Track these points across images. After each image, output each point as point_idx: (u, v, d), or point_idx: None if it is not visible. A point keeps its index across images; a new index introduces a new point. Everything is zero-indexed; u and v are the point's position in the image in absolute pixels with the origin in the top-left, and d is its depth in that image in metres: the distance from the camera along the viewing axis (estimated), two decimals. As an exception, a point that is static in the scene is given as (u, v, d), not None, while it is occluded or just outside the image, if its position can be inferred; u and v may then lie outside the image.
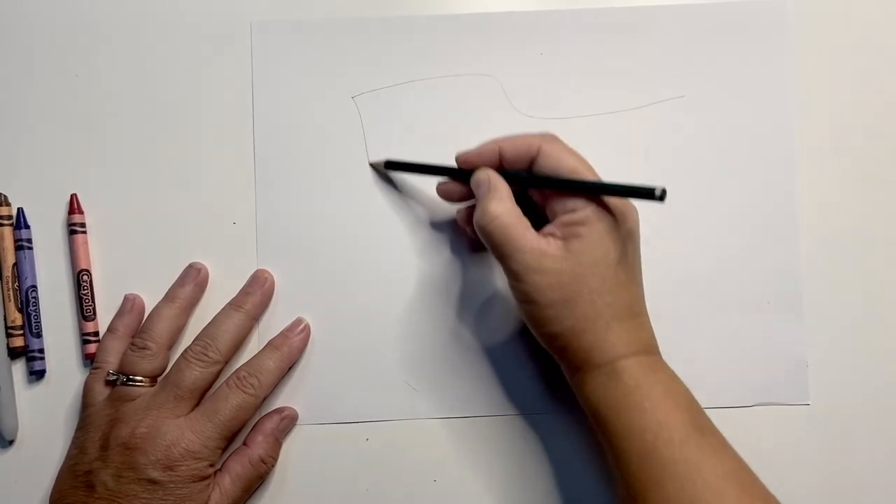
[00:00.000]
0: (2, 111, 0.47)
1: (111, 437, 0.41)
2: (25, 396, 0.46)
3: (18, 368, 0.46)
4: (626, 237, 0.39)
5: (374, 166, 0.47)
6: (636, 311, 0.40)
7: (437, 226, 0.47)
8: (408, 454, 0.46)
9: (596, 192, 0.39)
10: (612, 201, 0.39)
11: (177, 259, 0.46)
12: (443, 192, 0.45)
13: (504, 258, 0.39)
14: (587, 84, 0.48)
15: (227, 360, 0.45)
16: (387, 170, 0.47)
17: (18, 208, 0.47)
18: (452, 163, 0.43)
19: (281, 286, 0.47)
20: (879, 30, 0.48)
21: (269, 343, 0.46)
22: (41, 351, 0.46)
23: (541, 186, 0.41)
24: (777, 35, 0.48)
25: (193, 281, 0.46)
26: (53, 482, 0.43)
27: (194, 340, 0.44)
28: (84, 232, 0.47)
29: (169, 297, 0.46)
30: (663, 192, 0.36)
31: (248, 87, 0.48)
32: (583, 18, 0.48)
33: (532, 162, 0.41)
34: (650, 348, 0.40)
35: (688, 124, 0.48)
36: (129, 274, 0.47)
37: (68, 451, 0.43)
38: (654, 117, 0.48)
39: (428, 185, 0.47)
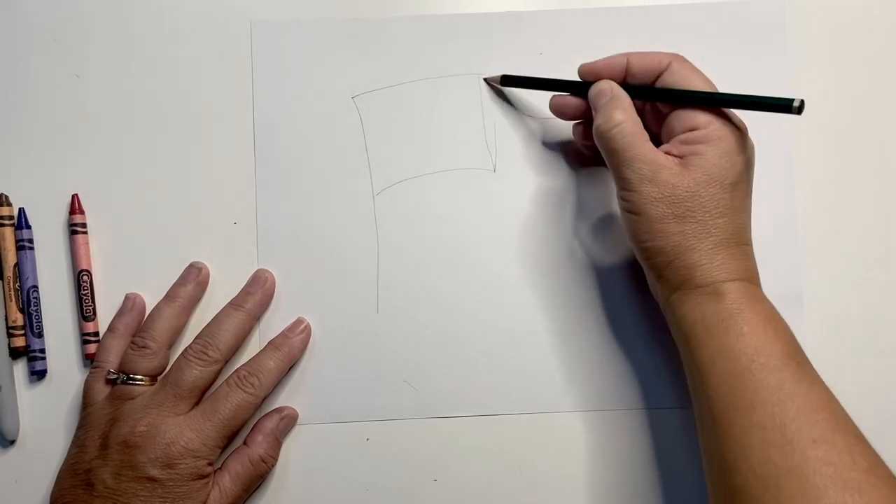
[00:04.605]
0: (2, 111, 0.47)
1: (111, 436, 0.41)
2: (26, 396, 0.46)
3: (20, 368, 0.46)
4: (745, 162, 0.39)
5: (488, 81, 0.48)
6: (744, 239, 0.39)
7: (440, 227, 0.47)
8: (408, 454, 0.46)
9: (728, 104, 0.39)
10: (736, 123, 0.39)
11: (177, 259, 0.47)
12: (556, 106, 0.45)
13: (620, 166, 0.39)
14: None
15: (227, 360, 0.45)
16: (502, 85, 0.47)
17: (20, 209, 0.47)
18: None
19: (281, 286, 0.47)
20: (878, 30, 0.48)
21: (270, 343, 0.46)
22: (42, 351, 0.46)
23: (667, 100, 0.41)
24: (777, 35, 0.48)
25: (194, 280, 0.46)
26: (54, 481, 0.43)
27: (194, 339, 0.44)
28: (85, 232, 0.47)
29: (169, 296, 0.46)
30: (801, 103, 0.37)
31: (248, 87, 0.48)
32: (583, 18, 0.48)
33: (657, 78, 0.41)
34: (753, 278, 0.39)
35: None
36: (130, 274, 0.47)
37: (69, 450, 0.43)
38: (654, 117, 0.48)
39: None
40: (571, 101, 0.44)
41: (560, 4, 0.48)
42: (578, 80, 0.44)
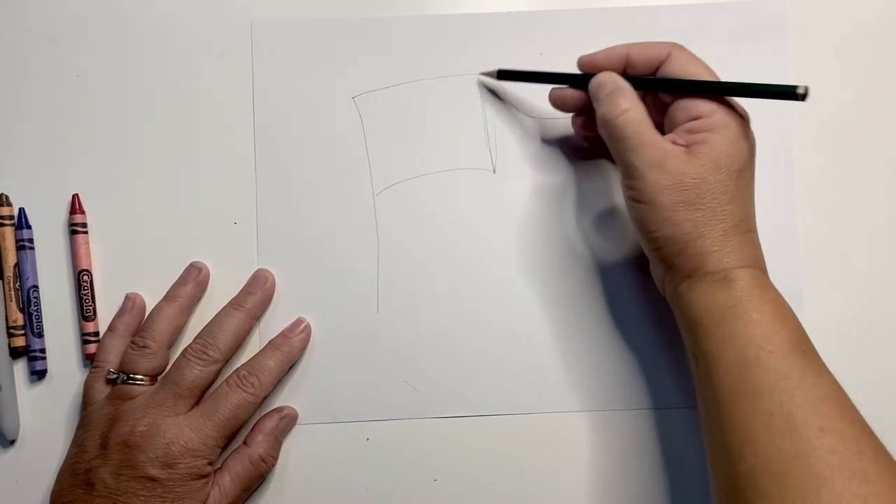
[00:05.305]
0: (2, 111, 0.47)
1: (111, 436, 0.41)
2: (27, 396, 0.46)
3: (20, 368, 0.46)
4: (749, 149, 0.39)
5: (484, 76, 0.47)
6: (751, 226, 0.39)
7: (440, 227, 0.47)
8: (408, 454, 0.46)
9: (732, 92, 0.39)
10: (739, 111, 0.39)
11: (177, 259, 0.47)
12: (557, 99, 0.45)
13: (627, 153, 0.39)
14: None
15: (227, 359, 0.45)
16: (499, 80, 0.47)
17: (20, 208, 0.47)
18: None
19: (281, 286, 0.47)
20: (878, 29, 0.48)
21: (270, 343, 0.46)
22: (42, 351, 0.46)
23: (669, 90, 0.41)
24: (777, 35, 0.48)
25: (194, 280, 0.46)
26: (54, 481, 0.43)
27: (194, 339, 0.44)
28: (85, 232, 0.47)
29: (169, 296, 0.46)
30: (806, 90, 0.37)
31: (248, 87, 0.48)
32: (583, 18, 0.48)
33: (657, 69, 0.41)
34: (761, 265, 0.39)
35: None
36: (130, 274, 0.47)
37: (69, 450, 0.43)
38: (654, 117, 0.48)
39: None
40: (571, 93, 0.44)
41: (560, 4, 0.48)
42: (577, 72, 0.44)
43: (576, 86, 0.44)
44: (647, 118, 0.40)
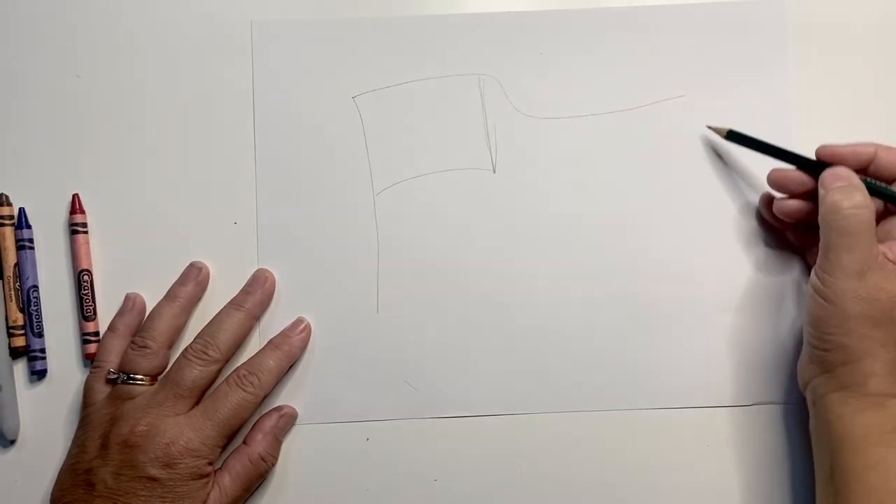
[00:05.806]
0: (2, 111, 0.47)
1: (111, 436, 0.41)
2: (27, 396, 0.46)
3: (20, 368, 0.46)
4: None
5: (711, 130, 0.46)
6: None
7: (440, 227, 0.47)
8: (408, 454, 0.46)
9: None
10: None
11: (177, 259, 0.47)
12: (780, 178, 0.43)
13: (840, 249, 0.38)
14: (587, 84, 0.48)
15: (227, 359, 0.45)
16: (727, 139, 0.45)
17: (20, 208, 0.47)
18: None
19: (281, 286, 0.47)
20: (878, 29, 0.48)
21: (270, 342, 0.46)
22: (42, 351, 0.46)
23: None
24: (777, 35, 0.48)
25: (194, 280, 0.46)
26: (54, 481, 0.43)
27: (194, 339, 0.44)
28: (85, 232, 0.47)
29: (170, 295, 0.46)
30: None
31: (248, 87, 0.48)
32: (583, 18, 0.48)
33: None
34: None
35: (688, 124, 0.48)
36: (130, 273, 0.47)
37: (69, 450, 0.44)
38: (654, 117, 0.48)
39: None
40: (799, 177, 0.43)
41: (560, 4, 0.48)
42: (808, 156, 0.43)
43: (804, 169, 0.43)
44: (873, 223, 0.39)
